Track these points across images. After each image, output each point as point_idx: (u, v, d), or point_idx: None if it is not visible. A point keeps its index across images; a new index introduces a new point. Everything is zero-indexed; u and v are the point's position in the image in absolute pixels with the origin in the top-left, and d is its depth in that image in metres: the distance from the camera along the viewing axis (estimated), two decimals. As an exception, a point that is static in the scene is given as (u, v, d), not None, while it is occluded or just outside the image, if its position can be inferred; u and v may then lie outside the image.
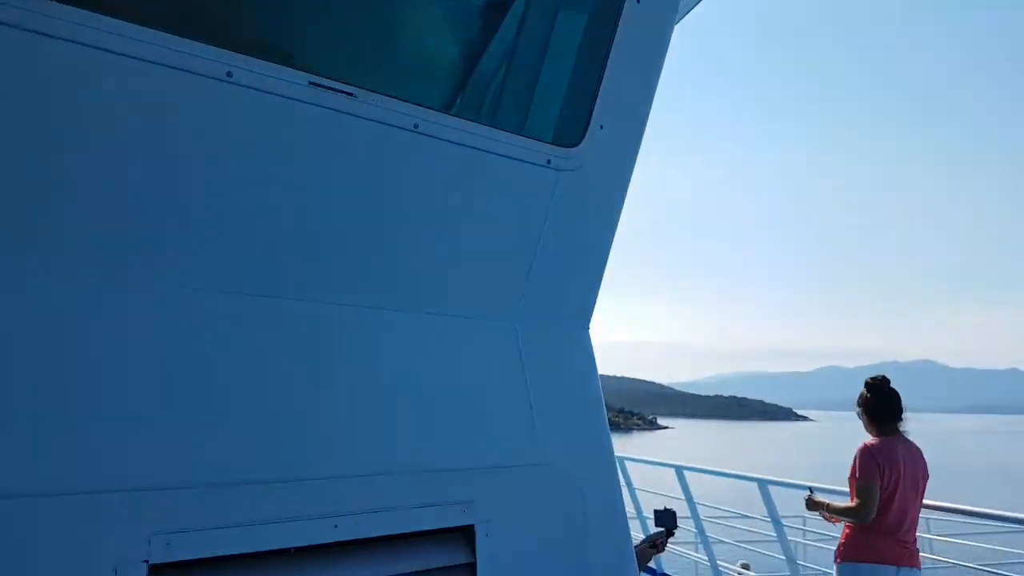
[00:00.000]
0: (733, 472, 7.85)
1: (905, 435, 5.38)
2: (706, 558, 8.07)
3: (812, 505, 5.67)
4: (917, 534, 5.38)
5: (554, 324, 2.39)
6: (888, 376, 5.53)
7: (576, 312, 2.47)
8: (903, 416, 5.40)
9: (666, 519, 4.59)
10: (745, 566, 11.63)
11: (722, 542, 9.79)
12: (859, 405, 5.50)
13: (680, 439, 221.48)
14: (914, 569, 5.13)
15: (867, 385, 5.49)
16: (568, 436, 2.16)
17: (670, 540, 4.76)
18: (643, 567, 3.80)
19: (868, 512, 5.06)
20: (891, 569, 5.04)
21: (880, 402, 5.38)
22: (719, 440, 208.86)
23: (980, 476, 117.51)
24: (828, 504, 5.50)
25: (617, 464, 2.41)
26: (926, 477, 5.33)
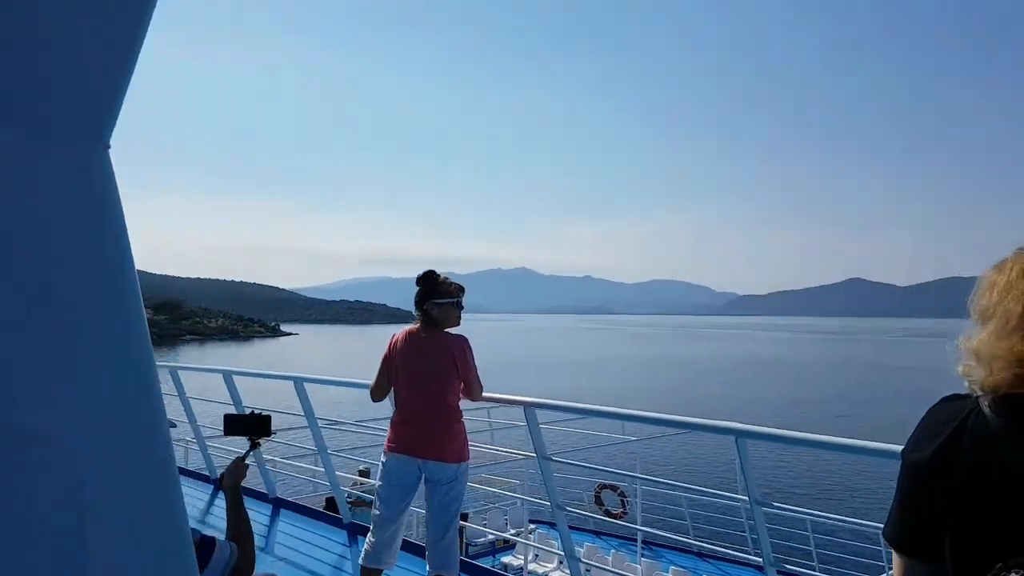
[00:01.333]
0: (350, 380, 7.68)
1: (438, 327, 5.33)
2: (323, 470, 8.07)
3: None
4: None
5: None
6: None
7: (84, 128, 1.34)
8: (429, 309, 5.31)
9: (243, 426, 3.92)
10: (363, 472, 12.33)
11: (339, 455, 9.73)
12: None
13: (303, 346, 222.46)
14: (439, 463, 5.01)
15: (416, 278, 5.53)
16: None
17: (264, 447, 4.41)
18: (238, 482, 3.66)
19: (374, 392, 5.34)
20: (406, 459, 5.03)
21: (418, 293, 5.39)
22: (344, 345, 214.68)
23: (541, 365, 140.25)
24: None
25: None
26: (445, 364, 5.15)
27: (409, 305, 5.74)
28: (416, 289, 5.41)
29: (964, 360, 1.62)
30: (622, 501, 14.83)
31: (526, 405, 5.53)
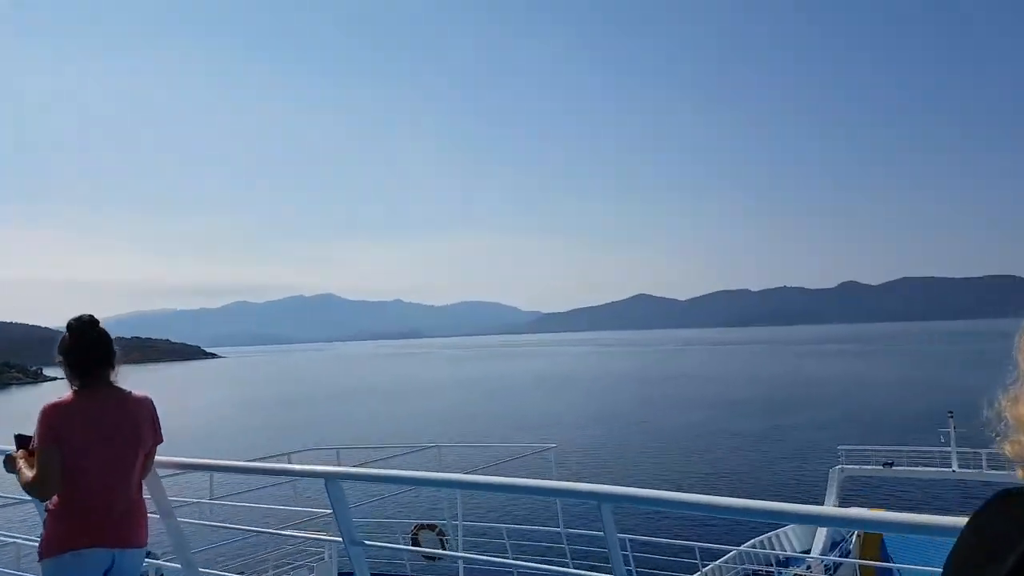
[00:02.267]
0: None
1: (117, 385, 4.56)
2: None
3: (9, 466, 4.36)
4: (145, 498, 4.64)
5: None
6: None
7: None
8: (113, 363, 4.52)
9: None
10: None
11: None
12: (59, 353, 4.41)
13: (66, 390, 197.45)
14: (135, 549, 4.35)
15: (68, 327, 4.40)
16: None
17: None
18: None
19: (46, 486, 4.08)
20: (102, 552, 4.16)
21: (80, 348, 4.36)
22: (122, 386, 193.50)
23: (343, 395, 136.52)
24: (21, 471, 4.20)
25: None
26: (143, 434, 4.51)
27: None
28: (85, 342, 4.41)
29: (1015, 435, 1.16)
30: (441, 540, 14.28)
31: (328, 476, 4.35)
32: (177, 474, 7.29)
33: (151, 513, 4.77)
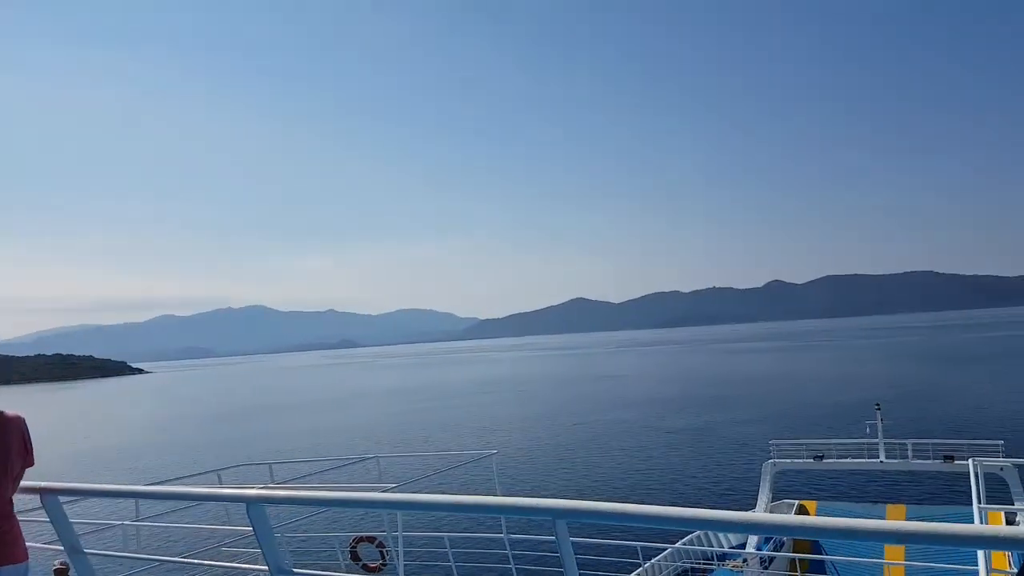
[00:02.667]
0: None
1: None
2: None
3: None
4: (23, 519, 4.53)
5: None
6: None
7: None
8: None
9: None
10: None
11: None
12: None
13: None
14: (9, 566, 4.31)
15: None
16: None
17: None
18: None
19: None
20: None
21: None
22: (46, 405, 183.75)
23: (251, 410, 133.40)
24: None
25: None
26: (11, 455, 4.43)
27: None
28: None
29: None
30: (381, 552, 13.92)
31: (249, 500, 4.11)
32: (75, 500, 6.73)
33: (53, 544, 4.48)
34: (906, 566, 22.96)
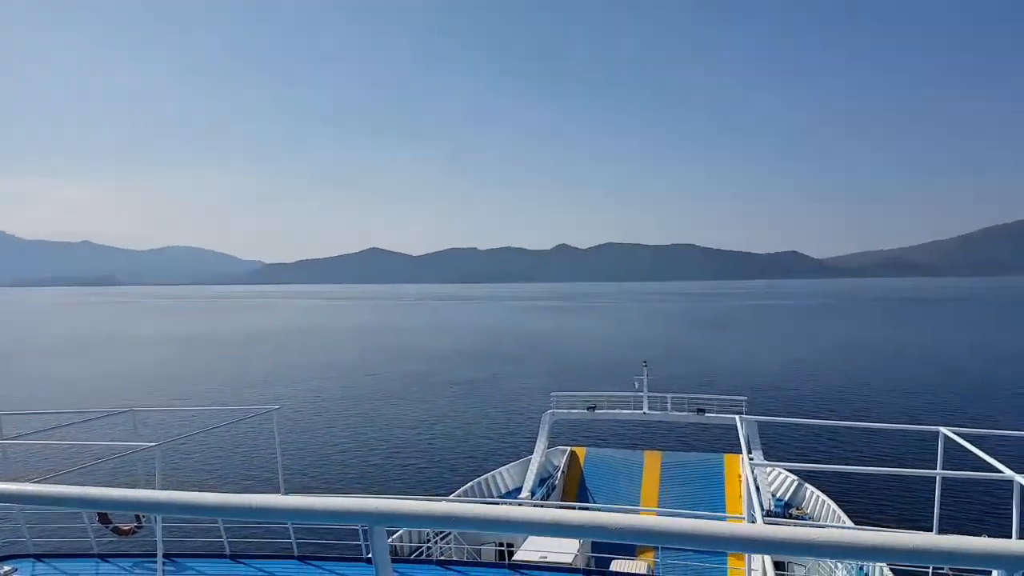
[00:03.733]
0: None
1: None
2: None
3: None
4: None
5: None
6: None
7: None
8: None
9: None
10: None
11: None
12: None
13: None
14: None
15: None
16: None
17: None
18: None
19: None
20: None
21: None
22: None
23: None
24: None
25: None
26: None
27: None
28: None
29: None
30: (136, 515, 12.36)
31: None
32: None
33: None
34: (657, 516, 25.26)
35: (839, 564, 18.85)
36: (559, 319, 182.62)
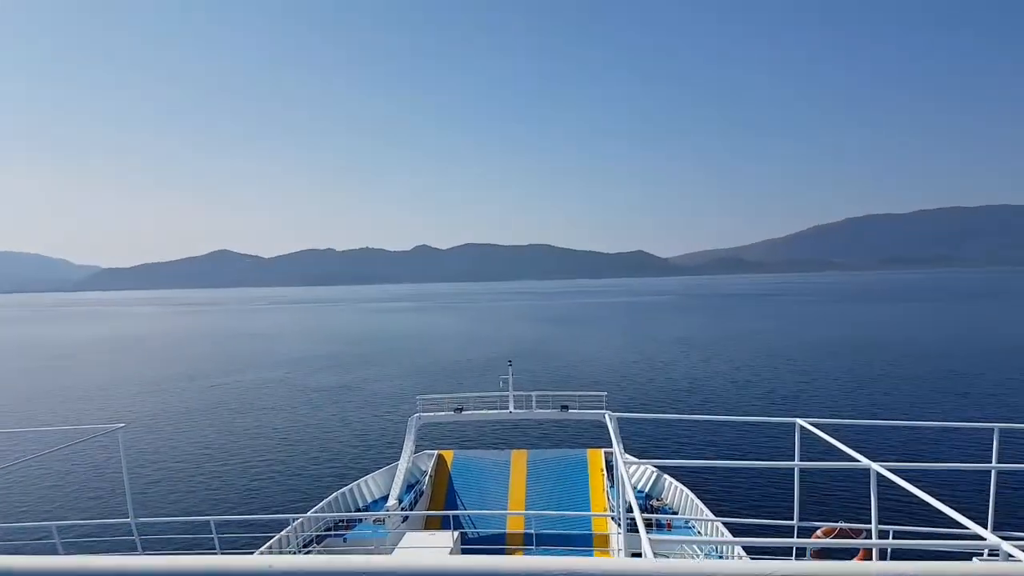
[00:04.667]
0: None
1: None
2: None
3: None
4: None
5: None
6: None
7: None
8: None
9: None
10: None
11: None
12: None
13: None
14: None
15: None
16: None
17: None
18: None
19: None
20: None
21: None
22: None
23: None
24: None
25: None
26: None
27: None
28: None
29: None
30: None
31: None
32: None
33: None
34: (525, 515, 25.91)
35: (699, 550, 20.16)
36: (421, 320, 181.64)
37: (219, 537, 12.72)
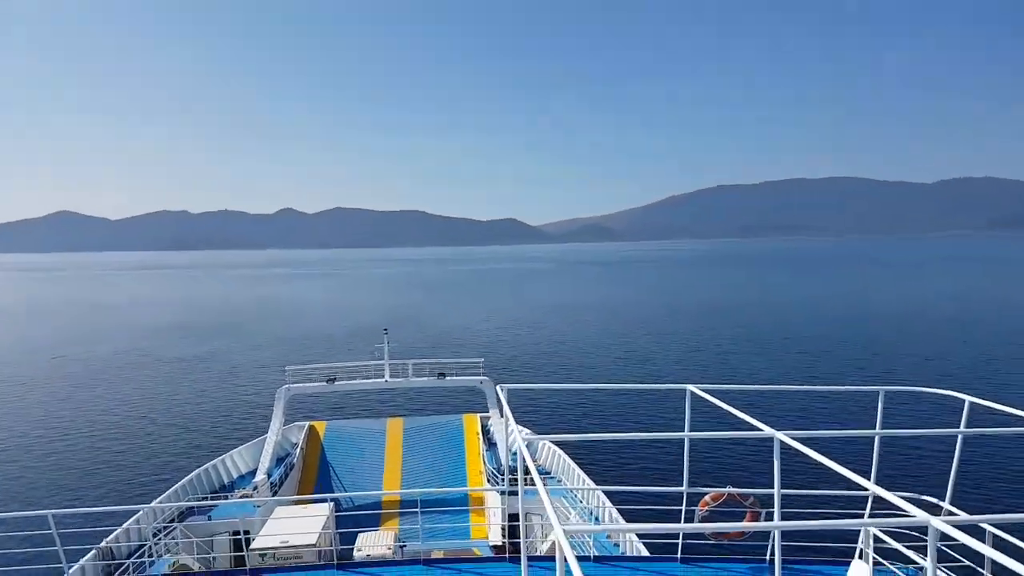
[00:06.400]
0: None
1: None
2: None
3: None
4: None
5: None
6: None
7: None
8: None
9: None
10: None
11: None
12: None
13: None
14: None
15: None
16: None
17: None
18: None
19: None
20: None
21: None
22: None
23: None
24: None
25: None
26: None
27: None
28: None
29: None
30: None
31: None
32: None
33: None
34: (402, 478, 25.52)
35: (572, 510, 20.40)
36: (288, 288, 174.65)
37: (59, 533, 11.23)
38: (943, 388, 10.04)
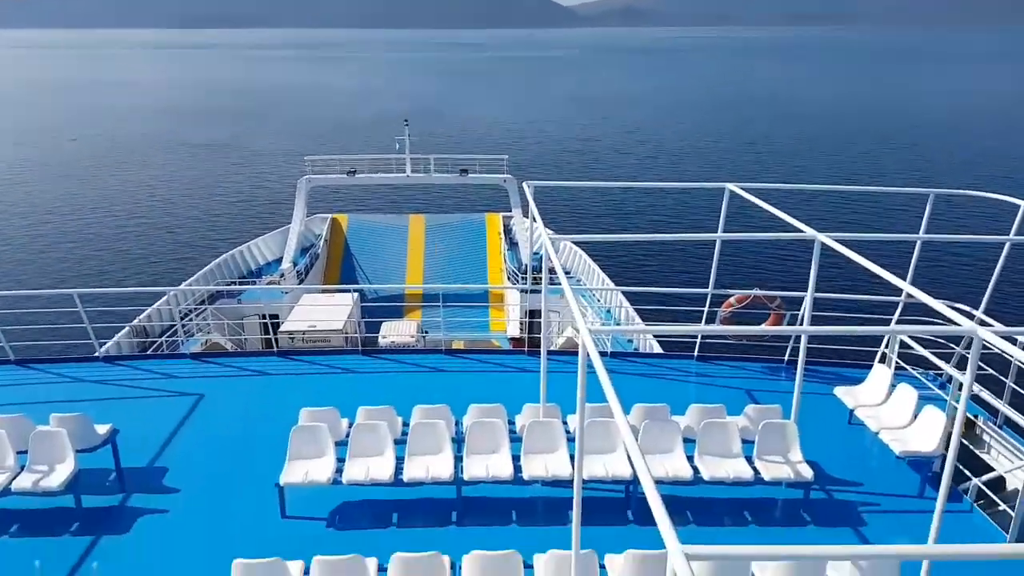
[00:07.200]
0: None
1: None
2: None
3: None
4: None
5: None
6: None
7: None
8: None
9: None
10: None
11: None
12: None
13: None
14: None
15: None
16: None
17: None
18: None
19: None
20: None
21: None
22: None
23: None
24: None
25: None
26: None
27: None
28: None
29: None
30: None
31: None
32: None
33: None
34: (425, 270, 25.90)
35: (590, 309, 20.60)
36: (305, 71, 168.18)
37: (87, 312, 11.48)
38: (997, 193, 9.47)
